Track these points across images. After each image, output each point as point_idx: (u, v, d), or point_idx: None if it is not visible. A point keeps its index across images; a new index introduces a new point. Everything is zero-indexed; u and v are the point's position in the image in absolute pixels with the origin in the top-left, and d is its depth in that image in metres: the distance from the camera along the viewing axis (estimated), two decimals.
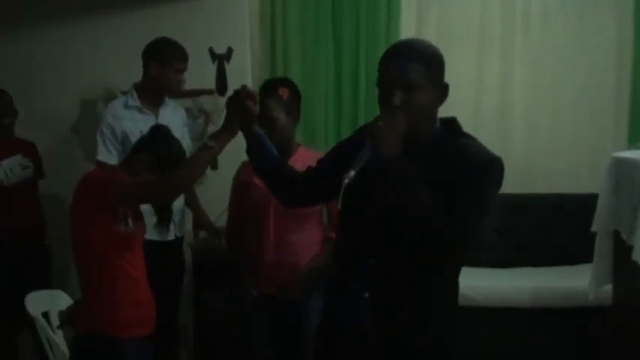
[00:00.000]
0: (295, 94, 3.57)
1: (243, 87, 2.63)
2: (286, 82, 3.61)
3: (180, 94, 4.42)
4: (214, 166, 4.58)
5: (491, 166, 2.32)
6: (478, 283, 4.70)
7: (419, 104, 2.33)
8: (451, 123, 2.47)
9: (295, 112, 3.56)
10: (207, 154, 2.73)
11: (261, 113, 3.37)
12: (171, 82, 4.22)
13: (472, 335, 4.58)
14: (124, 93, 4.65)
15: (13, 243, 4.50)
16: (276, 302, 3.53)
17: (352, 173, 2.32)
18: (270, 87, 3.55)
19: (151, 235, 3.61)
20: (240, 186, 3.67)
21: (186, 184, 3.01)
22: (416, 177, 2.24)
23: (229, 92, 4.95)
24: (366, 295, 2.45)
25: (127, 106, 4.24)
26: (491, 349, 4.60)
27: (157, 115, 4.22)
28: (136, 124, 3.95)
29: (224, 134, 2.66)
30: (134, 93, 4.26)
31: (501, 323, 4.62)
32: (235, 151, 3.00)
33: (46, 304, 3.73)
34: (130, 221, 3.03)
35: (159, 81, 4.21)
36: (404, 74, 2.34)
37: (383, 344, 2.42)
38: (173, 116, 4.32)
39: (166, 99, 4.34)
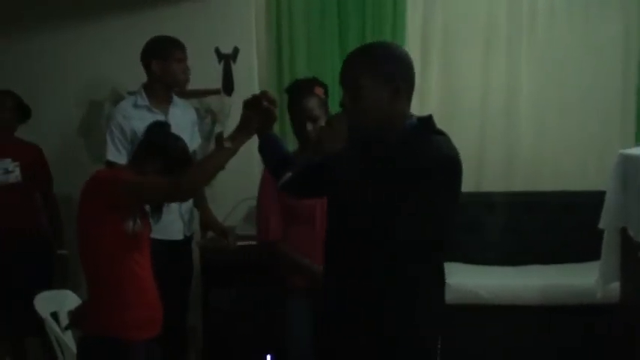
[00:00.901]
0: (327, 92, 3.63)
1: (264, 91, 2.68)
2: (319, 82, 3.64)
3: (185, 92, 4.40)
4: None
5: (444, 165, 2.36)
6: (486, 281, 4.72)
7: (361, 103, 2.41)
8: (426, 120, 2.52)
9: (327, 110, 3.60)
10: (223, 155, 2.75)
11: (303, 113, 3.46)
12: (177, 74, 4.24)
13: (480, 333, 4.61)
14: (130, 94, 4.65)
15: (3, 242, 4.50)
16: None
17: (289, 175, 2.56)
18: (306, 87, 3.58)
19: (160, 234, 3.62)
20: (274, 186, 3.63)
21: (201, 183, 3.04)
22: (350, 175, 2.35)
23: (235, 92, 5.06)
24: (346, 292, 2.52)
25: (136, 105, 4.26)
26: (500, 346, 4.61)
27: (166, 114, 4.23)
28: (145, 123, 3.96)
29: (240, 136, 2.69)
30: (143, 93, 4.28)
31: (509, 321, 4.62)
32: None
33: (55, 304, 3.74)
34: (138, 220, 3.04)
35: (164, 77, 4.23)
36: (344, 76, 2.48)
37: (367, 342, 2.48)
38: (183, 115, 4.34)
39: (175, 98, 4.35)
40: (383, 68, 2.42)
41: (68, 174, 4.82)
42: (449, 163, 2.37)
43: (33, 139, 4.76)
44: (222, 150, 2.74)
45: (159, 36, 4.28)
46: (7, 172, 4.52)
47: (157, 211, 3.25)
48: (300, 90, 3.59)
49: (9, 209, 4.50)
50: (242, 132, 2.68)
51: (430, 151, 2.35)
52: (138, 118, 4.17)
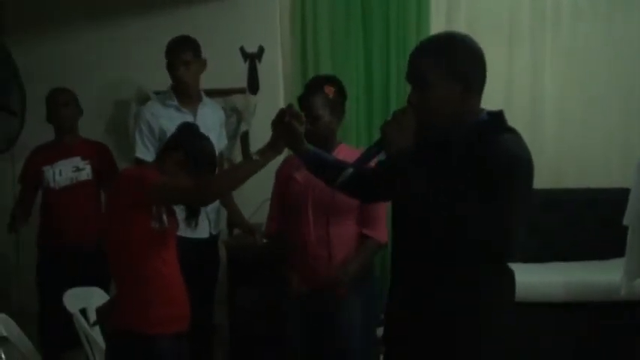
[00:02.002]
0: (341, 91, 3.60)
1: (289, 106, 2.70)
2: (333, 80, 3.63)
3: (188, 84, 4.34)
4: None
5: (517, 166, 2.26)
6: None
7: (431, 101, 2.30)
8: (497, 116, 2.44)
9: (339, 110, 3.59)
10: (251, 167, 2.81)
11: (306, 110, 3.42)
12: (176, 79, 4.28)
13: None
14: (157, 93, 4.70)
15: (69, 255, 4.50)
16: (314, 298, 3.56)
17: (350, 170, 2.47)
18: (316, 84, 3.59)
19: (186, 232, 3.66)
20: (282, 182, 3.72)
21: (225, 190, 3.08)
22: (419, 173, 2.24)
23: (260, 91, 5.09)
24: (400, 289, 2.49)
25: (165, 104, 4.32)
26: (522, 343, 4.60)
27: (195, 114, 4.28)
28: (173, 122, 4.01)
29: (269, 152, 2.75)
30: (171, 92, 4.33)
31: (533, 318, 4.61)
32: None
33: (84, 300, 3.77)
34: (164, 218, 3.07)
35: (174, 82, 4.31)
36: (412, 72, 2.36)
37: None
38: (212, 115, 4.38)
39: (205, 98, 4.39)
40: (453, 63, 2.31)
41: None
42: (519, 163, 2.26)
43: None
44: (250, 162, 2.81)
45: (169, 42, 4.32)
46: (78, 169, 4.56)
47: (194, 215, 3.31)
48: (308, 87, 3.61)
49: (80, 208, 4.53)
50: (271, 149, 2.74)
51: (500, 151, 2.23)
52: (166, 116, 4.23)
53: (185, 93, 4.31)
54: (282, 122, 2.65)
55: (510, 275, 2.53)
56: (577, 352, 4.59)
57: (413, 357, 2.45)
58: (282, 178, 3.71)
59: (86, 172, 4.58)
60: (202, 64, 4.35)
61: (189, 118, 4.14)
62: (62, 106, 4.60)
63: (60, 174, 4.54)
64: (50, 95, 4.63)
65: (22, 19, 5.10)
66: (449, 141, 2.33)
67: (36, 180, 4.59)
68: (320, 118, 3.48)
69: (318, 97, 3.50)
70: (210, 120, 4.27)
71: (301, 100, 3.57)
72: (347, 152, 3.48)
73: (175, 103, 4.29)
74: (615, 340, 4.55)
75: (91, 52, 5.22)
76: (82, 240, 4.46)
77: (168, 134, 3.57)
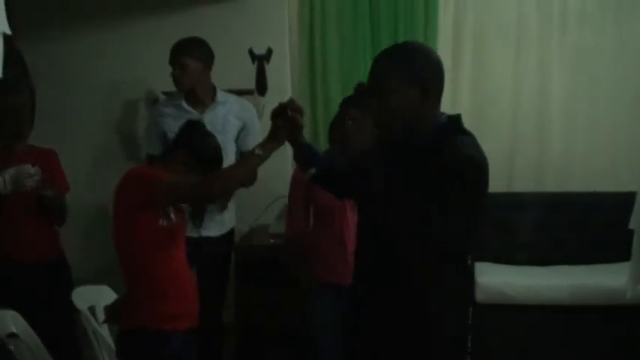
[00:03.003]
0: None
1: (291, 100, 2.72)
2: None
3: (184, 86, 4.34)
4: (251, 184, 4.39)
5: (471, 166, 2.35)
6: (515, 281, 4.74)
7: (391, 105, 2.40)
8: (455, 120, 2.51)
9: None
10: (253, 161, 2.83)
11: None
12: (173, 80, 4.30)
13: (509, 332, 4.62)
14: (165, 94, 4.72)
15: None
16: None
17: (312, 170, 2.60)
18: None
19: (193, 232, 3.68)
20: (306, 185, 3.69)
21: (231, 185, 3.06)
22: (379, 174, 2.33)
23: (269, 92, 5.10)
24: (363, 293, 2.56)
25: (173, 104, 4.36)
26: (528, 346, 4.62)
27: (202, 114, 4.28)
28: (179, 122, 4.04)
29: (270, 144, 2.76)
30: (181, 93, 4.36)
31: (538, 321, 4.64)
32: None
33: (92, 298, 3.75)
34: (172, 216, 3.08)
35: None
36: (372, 79, 2.46)
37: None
38: (226, 116, 4.36)
39: (220, 97, 4.38)
40: (412, 69, 2.41)
41: (102, 173, 4.91)
42: (473, 163, 2.35)
43: (66, 139, 4.81)
44: (252, 156, 2.83)
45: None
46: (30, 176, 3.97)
47: (199, 213, 3.32)
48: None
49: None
50: (271, 140, 2.75)
51: (455, 152, 2.33)
52: (173, 116, 4.27)
53: (191, 93, 4.34)
54: (284, 115, 2.66)
55: (469, 274, 2.61)
56: (582, 355, 4.60)
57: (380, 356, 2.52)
58: (305, 181, 3.72)
59: None
60: (206, 64, 4.34)
61: (195, 118, 4.16)
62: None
63: None
64: None
65: (31, 18, 5.11)
66: (407, 143, 2.43)
67: None
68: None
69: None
70: (220, 120, 4.28)
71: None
72: None
73: (182, 103, 4.31)
74: (621, 343, 4.56)
75: (100, 52, 5.22)
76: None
77: (173, 134, 3.60)
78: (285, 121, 2.67)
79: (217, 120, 4.26)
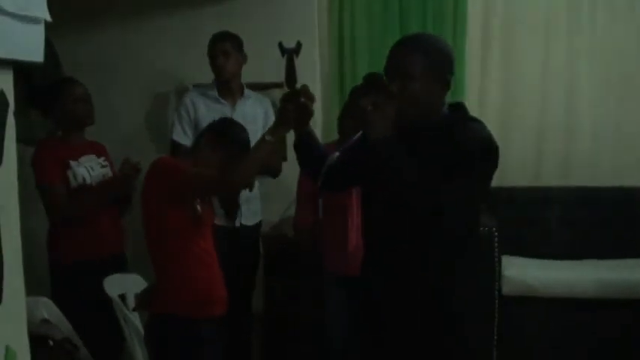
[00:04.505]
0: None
1: (304, 86, 2.76)
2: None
3: (228, 74, 4.43)
4: (277, 174, 4.57)
5: (490, 148, 2.43)
6: (543, 274, 4.74)
7: (414, 93, 2.45)
8: (460, 107, 2.58)
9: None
10: (265, 148, 2.88)
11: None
12: (216, 68, 4.40)
13: (535, 325, 4.63)
14: (196, 86, 4.78)
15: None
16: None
17: (336, 155, 2.65)
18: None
19: (223, 221, 3.73)
20: (310, 180, 3.77)
21: (246, 176, 3.06)
22: (400, 158, 2.36)
23: (298, 85, 5.13)
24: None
25: (206, 94, 4.45)
26: (555, 339, 4.62)
27: (234, 106, 4.38)
28: (211, 112, 4.12)
29: (280, 128, 2.82)
30: (213, 84, 4.46)
31: (565, 314, 4.63)
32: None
33: (123, 286, 3.82)
34: (198, 207, 3.13)
35: (214, 72, 4.42)
36: (396, 65, 2.50)
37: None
38: (253, 110, 4.44)
39: (247, 92, 4.48)
40: (437, 61, 2.48)
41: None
42: (491, 145, 2.44)
43: (100, 131, 4.85)
44: (262, 143, 2.88)
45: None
46: (103, 166, 4.13)
47: (232, 207, 3.37)
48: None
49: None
50: (280, 125, 2.80)
51: (474, 135, 2.42)
52: (205, 106, 4.36)
53: (225, 84, 4.40)
54: (295, 101, 2.70)
55: (480, 254, 2.74)
56: (608, 348, 4.60)
57: (399, 343, 2.55)
58: None
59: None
60: (243, 58, 4.46)
61: (227, 110, 4.25)
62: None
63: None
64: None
65: (66, 11, 5.17)
66: (424, 130, 2.48)
67: None
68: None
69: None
70: (250, 114, 4.35)
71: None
72: None
73: (215, 94, 4.40)
74: None
75: (132, 46, 5.27)
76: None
77: (204, 124, 3.64)
78: (296, 107, 2.70)
79: (248, 112, 4.34)
